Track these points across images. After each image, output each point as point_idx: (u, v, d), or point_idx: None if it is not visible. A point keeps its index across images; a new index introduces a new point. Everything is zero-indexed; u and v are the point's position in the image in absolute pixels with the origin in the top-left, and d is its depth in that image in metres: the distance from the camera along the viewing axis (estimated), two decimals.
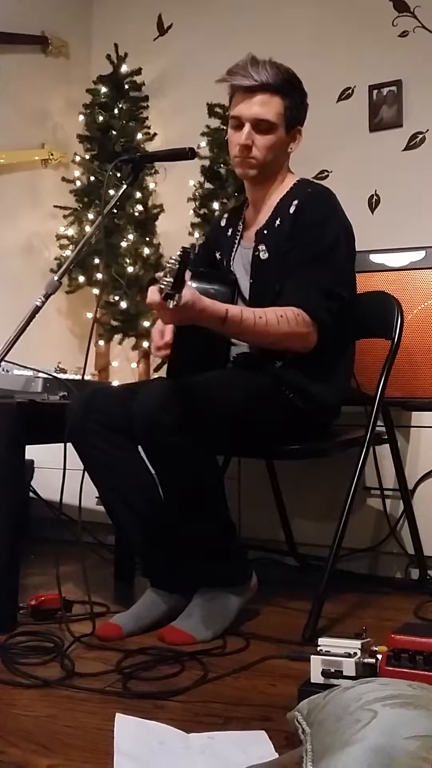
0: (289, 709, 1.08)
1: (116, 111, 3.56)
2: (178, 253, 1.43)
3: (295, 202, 1.86)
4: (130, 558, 2.28)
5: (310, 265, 1.79)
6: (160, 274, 1.49)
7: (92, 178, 3.51)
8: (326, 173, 3.29)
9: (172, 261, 1.44)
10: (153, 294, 1.60)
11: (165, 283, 1.44)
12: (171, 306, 1.47)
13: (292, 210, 1.86)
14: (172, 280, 1.43)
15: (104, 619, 1.79)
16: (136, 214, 3.47)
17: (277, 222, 1.88)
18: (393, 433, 2.14)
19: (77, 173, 3.60)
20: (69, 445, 1.76)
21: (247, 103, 1.84)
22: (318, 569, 1.94)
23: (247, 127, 1.84)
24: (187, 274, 1.48)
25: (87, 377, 2.05)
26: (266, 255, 1.88)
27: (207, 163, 3.27)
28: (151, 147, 3.59)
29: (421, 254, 2.30)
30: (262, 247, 1.89)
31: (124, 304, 3.40)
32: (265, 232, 1.90)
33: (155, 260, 3.46)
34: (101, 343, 3.56)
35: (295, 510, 2.40)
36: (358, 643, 1.25)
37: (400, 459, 2.16)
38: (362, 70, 3.23)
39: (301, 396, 1.82)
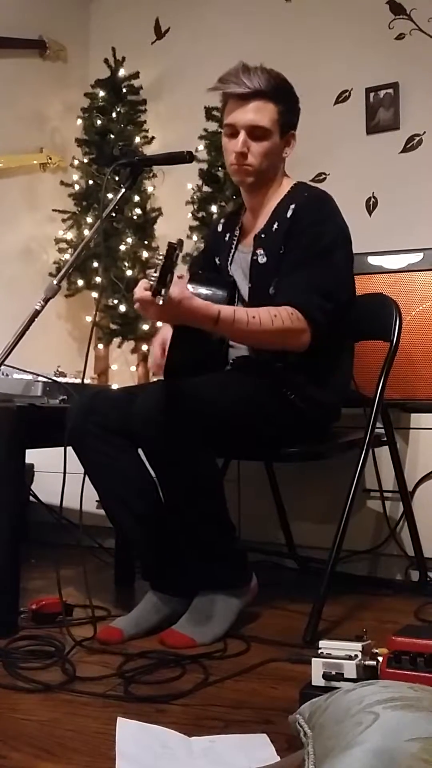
0: (290, 712, 1.08)
1: (114, 115, 3.57)
2: (166, 249, 1.43)
3: (292, 205, 1.86)
4: (130, 561, 2.28)
5: (305, 265, 1.79)
6: (150, 270, 1.48)
7: (90, 182, 3.52)
8: (324, 176, 3.29)
9: (159, 257, 1.43)
10: (140, 290, 1.60)
11: (153, 278, 1.44)
12: (160, 302, 1.46)
13: (289, 214, 1.86)
14: (157, 276, 1.43)
15: (105, 622, 1.79)
16: (135, 217, 3.48)
17: (275, 226, 1.88)
18: (392, 435, 2.14)
19: (76, 177, 3.61)
20: (69, 448, 1.76)
21: (241, 110, 1.83)
22: (318, 571, 1.94)
23: (242, 134, 1.84)
24: (187, 275, 1.47)
25: (86, 381, 2.05)
26: (264, 259, 1.89)
27: (205, 166, 3.28)
28: (150, 150, 3.59)
29: (419, 256, 2.30)
30: (260, 251, 1.90)
31: (123, 308, 3.41)
32: (263, 236, 1.90)
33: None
34: (100, 346, 3.56)
35: (294, 512, 2.41)
36: (358, 646, 1.25)
37: (399, 461, 2.16)
38: (359, 72, 3.24)
39: (301, 397, 1.82)
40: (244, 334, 1.72)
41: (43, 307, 1.82)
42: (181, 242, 1.47)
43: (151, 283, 1.45)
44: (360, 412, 2.07)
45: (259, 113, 1.83)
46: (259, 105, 1.83)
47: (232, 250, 2.01)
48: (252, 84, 1.81)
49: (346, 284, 1.90)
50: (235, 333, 1.73)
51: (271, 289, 1.84)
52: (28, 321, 1.80)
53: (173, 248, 1.43)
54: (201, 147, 3.26)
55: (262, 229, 1.92)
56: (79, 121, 3.65)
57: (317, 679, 1.23)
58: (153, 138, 3.64)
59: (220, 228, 2.10)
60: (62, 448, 1.74)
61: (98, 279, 3.41)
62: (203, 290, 1.74)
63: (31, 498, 2.59)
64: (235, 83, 1.82)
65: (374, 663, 1.23)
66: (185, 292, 1.58)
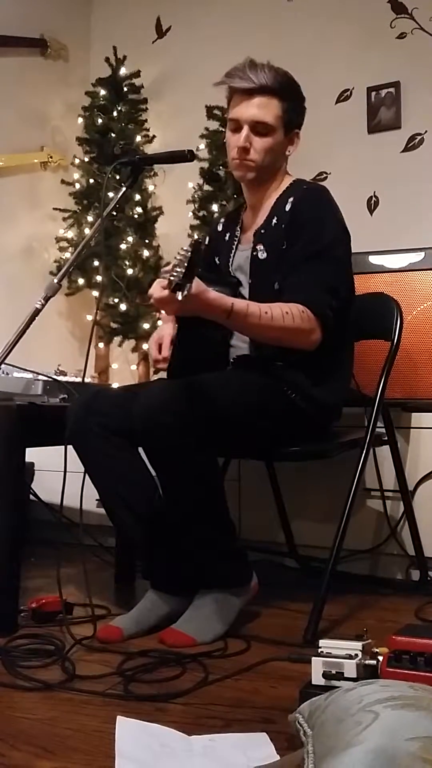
0: (290, 711, 1.08)
1: (115, 113, 3.56)
2: (190, 243, 1.43)
3: (291, 200, 1.87)
4: (130, 560, 2.28)
5: (312, 262, 1.79)
6: (167, 268, 1.48)
7: (91, 181, 3.52)
8: (325, 175, 3.29)
9: (183, 252, 1.44)
10: (158, 288, 1.60)
11: (176, 273, 1.44)
12: (181, 298, 1.46)
13: (287, 208, 1.86)
14: (183, 270, 1.43)
15: (105, 621, 1.79)
16: (136, 216, 3.48)
17: (274, 221, 1.88)
18: (393, 435, 2.14)
19: (76, 176, 3.61)
20: (69, 447, 1.76)
21: (245, 105, 1.84)
22: (318, 571, 1.94)
23: (245, 129, 1.84)
24: None
25: (87, 380, 2.05)
26: (264, 254, 1.89)
27: (206, 165, 3.27)
28: (150, 149, 3.59)
29: (420, 255, 2.30)
30: (260, 246, 1.90)
31: (123, 307, 3.41)
32: (263, 231, 1.90)
33: (155, 262, 3.46)
34: (101, 345, 3.56)
35: (295, 511, 2.41)
36: (359, 645, 1.24)
37: (400, 460, 2.16)
38: (360, 71, 3.23)
39: (302, 396, 1.82)
40: (256, 328, 1.72)
41: (43, 305, 1.82)
42: (205, 237, 1.48)
43: (170, 279, 1.45)
44: (361, 411, 2.07)
45: (263, 109, 1.83)
46: (264, 101, 1.83)
47: (234, 250, 2.01)
48: (258, 79, 1.81)
49: (347, 279, 1.91)
50: (246, 326, 1.73)
51: (276, 284, 1.84)
52: (29, 319, 1.80)
53: (199, 244, 1.44)
54: (202, 146, 3.26)
55: (261, 224, 1.91)
56: (80, 120, 3.64)
57: (317, 678, 1.23)
58: (154, 137, 3.64)
59: (220, 228, 2.10)
60: (62, 447, 1.73)
61: (99, 278, 3.41)
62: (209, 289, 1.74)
63: (32, 497, 2.58)
64: (241, 78, 1.82)
65: (374, 662, 1.23)
66: (201, 284, 1.59)
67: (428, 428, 2.24)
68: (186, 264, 1.43)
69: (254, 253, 1.90)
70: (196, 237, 1.48)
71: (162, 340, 1.88)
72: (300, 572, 2.40)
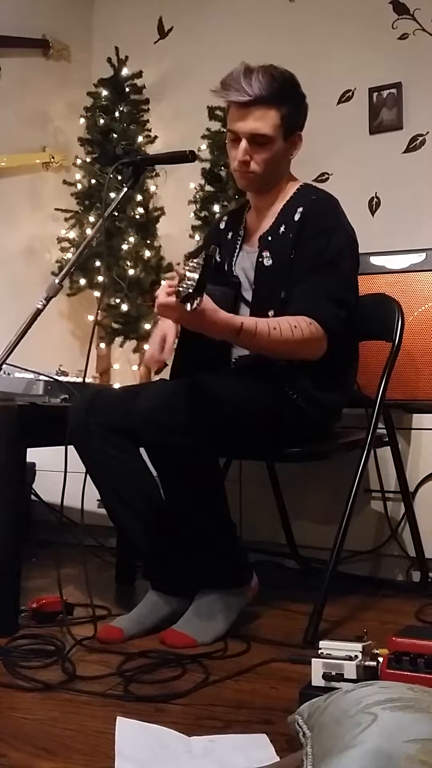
0: (290, 713, 1.08)
1: (117, 114, 3.57)
2: (202, 255, 1.42)
3: (300, 209, 1.85)
4: (131, 560, 2.28)
5: (319, 273, 1.79)
6: (175, 277, 1.47)
7: (93, 181, 3.52)
8: (326, 176, 3.29)
9: (193, 264, 1.42)
10: (163, 293, 1.59)
11: (186, 285, 1.43)
12: (189, 309, 1.45)
13: (297, 217, 1.85)
14: (194, 283, 1.42)
15: (105, 622, 1.78)
16: (137, 216, 3.48)
17: (282, 229, 1.87)
18: (394, 436, 2.14)
19: (78, 176, 3.61)
20: (70, 447, 1.76)
21: (242, 118, 1.81)
22: (319, 572, 1.94)
23: (243, 142, 1.82)
24: None
25: (88, 380, 2.05)
26: (270, 262, 1.88)
27: (207, 165, 3.28)
28: (152, 150, 3.59)
29: (422, 256, 2.30)
30: (266, 253, 1.89)
31: (125, 307, 3.41)
32: (269, 238, 1.89)
33: (156, 263, 3.46)
34: (102, 345, 3.56)
35: (296, 512, 2.41)
36: (359, 646, 1.25)
37: (401, 461, 2.16)
38: (362, 72, 3.23)
39: (304, 397, 1.82)
40: (265, 345, 1.71)
41: (45, 305, 1.82)
42: (215, 250, 1.46)
43: (179, 290, 1.44)
44: (362, 412, 2.07)
45: (260, 121, 1.80)
46: (261, 113, 1.80)
47: (237, 250, 2.00)
48: (252, 91, 1.78)
49: (354, 288, 1.90)
50: (255, 344, 1.72)
51: (282, 293, 1.83)
52: (30, 320, 1.80)
53: (210, 257, 1.43)
54: (203, 146, 3.26)
55: (267, 230, 1.91)
56: (82, 120, 3.65)
57: (317, 680, 1.23)
58: (156, 137, 3.64)
59: (222, 225, 2.09)
60: (63, 447, 1.73)
61: (100, 278, 3.41)
62: (211, 288, 1.73)
63: (33, 497, 2.59)
64: (236, 90, 1.79)
65: (374, 664, 1.23)
66: (211, 303, 1.58)
67: (429, 429, 2.23)
68: (198, 277, 1.42)
69: (260, 260, 1.89)
70: (207, 251, 1.46)
71: (166, 339, 1.85)
72: (300, 573, 2.40)
